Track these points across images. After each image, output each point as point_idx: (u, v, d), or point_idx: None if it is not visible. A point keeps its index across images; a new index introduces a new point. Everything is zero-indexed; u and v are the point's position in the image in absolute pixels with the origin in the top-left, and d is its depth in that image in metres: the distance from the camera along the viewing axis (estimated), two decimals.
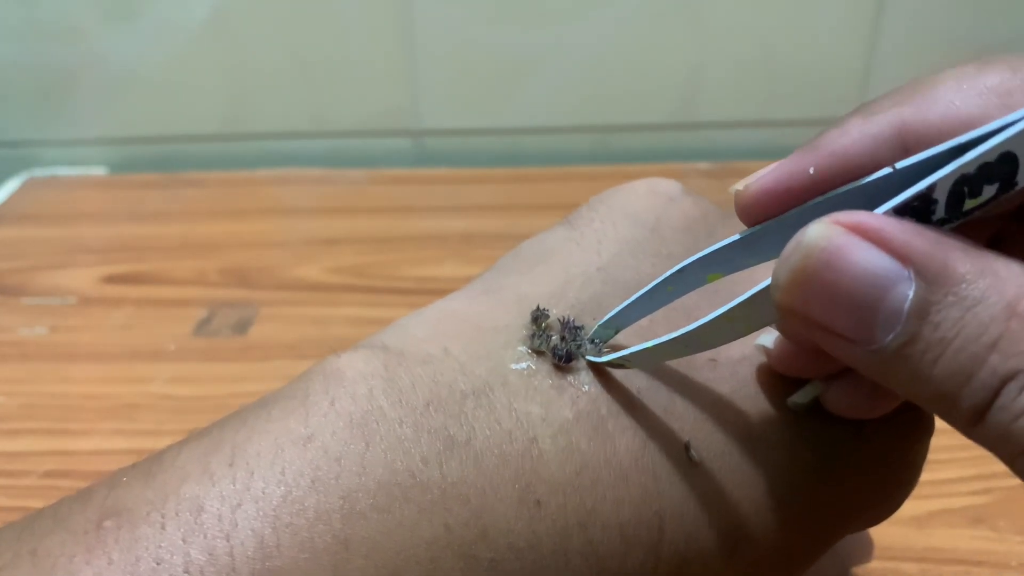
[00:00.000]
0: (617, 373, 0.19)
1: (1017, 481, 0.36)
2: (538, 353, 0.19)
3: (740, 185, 0.18)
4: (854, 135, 0.17)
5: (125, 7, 0.57)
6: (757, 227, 0.18)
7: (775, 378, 0.20)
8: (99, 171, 0.61)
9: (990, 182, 0.14)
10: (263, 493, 0.15)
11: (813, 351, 0.19)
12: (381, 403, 0.17)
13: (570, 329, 0.19)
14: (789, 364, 0.19)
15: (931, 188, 0.14)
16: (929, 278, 0.13)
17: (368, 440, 0.16)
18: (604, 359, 0.18)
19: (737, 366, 0.20)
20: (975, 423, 0.13)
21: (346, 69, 0.59)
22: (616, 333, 0.19)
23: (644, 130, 0.60)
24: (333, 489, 0.16)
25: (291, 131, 0.61)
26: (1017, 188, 0.14)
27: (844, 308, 0.14)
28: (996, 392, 0.13)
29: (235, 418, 0.17)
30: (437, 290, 0.46)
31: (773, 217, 0.17)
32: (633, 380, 0.19)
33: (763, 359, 0.20)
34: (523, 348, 0.19)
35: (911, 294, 0.13)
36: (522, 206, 0.54)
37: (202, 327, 0.44)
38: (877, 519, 0.21)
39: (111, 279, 0.48)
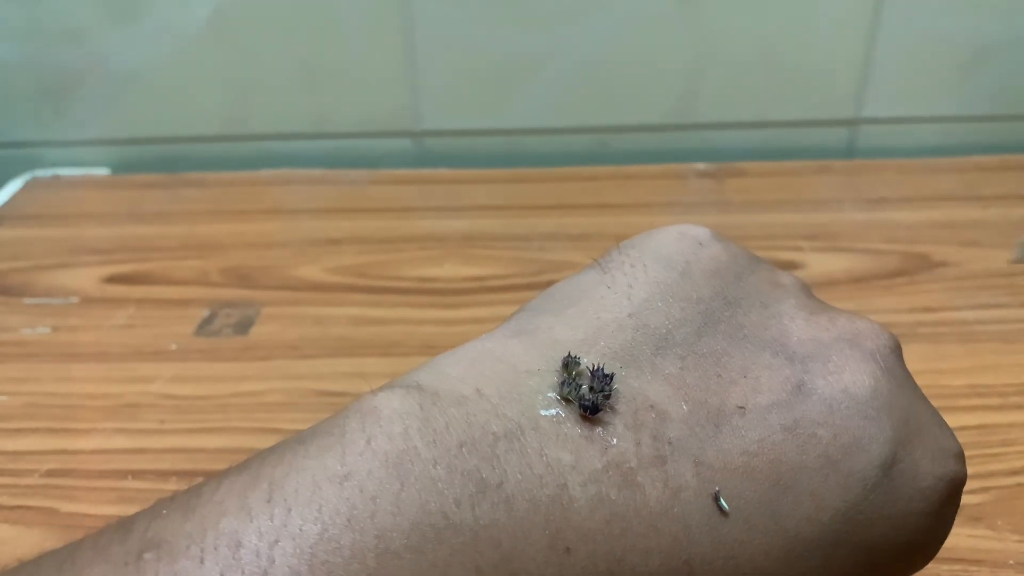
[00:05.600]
0: (648, 423, 0.19)
1: (1015, 480, 0.36)
2: (567, 401, 0.19)
3: None
4: None
5: (127, 8, 0.57)
6: None
7: (803, 425, 0.20)
8: (101, 172, 0.61)
9: None
10: (300, 531, 0.15)
11: None
12: (416, 443, 0.17)
13: (599, 378, 0.19)
14: None
15: None
16: None
17: (403, 480, 0.16)
18: None
19: (766, 413, 0.19)
20: None
21: (347, 70, 0.59)
22: None
23: (644, 131, 0.60)
24: (368, 528, 0.16)
25: (292, 132, 0.61)
26: None
27: None
28: None
29: (273, 453, 0.17)
30: (437, 290, 0.47)
31: None
32: (664, 431, 0.19)
33: (793, 405, 0.20)
34: (552, 394, 0.19)
35: None
36: (522, 206, 0.54)
37: (204, 327, 0.44)
38: (908, 569, 0.21)
39: (113, 279, 0.48)
